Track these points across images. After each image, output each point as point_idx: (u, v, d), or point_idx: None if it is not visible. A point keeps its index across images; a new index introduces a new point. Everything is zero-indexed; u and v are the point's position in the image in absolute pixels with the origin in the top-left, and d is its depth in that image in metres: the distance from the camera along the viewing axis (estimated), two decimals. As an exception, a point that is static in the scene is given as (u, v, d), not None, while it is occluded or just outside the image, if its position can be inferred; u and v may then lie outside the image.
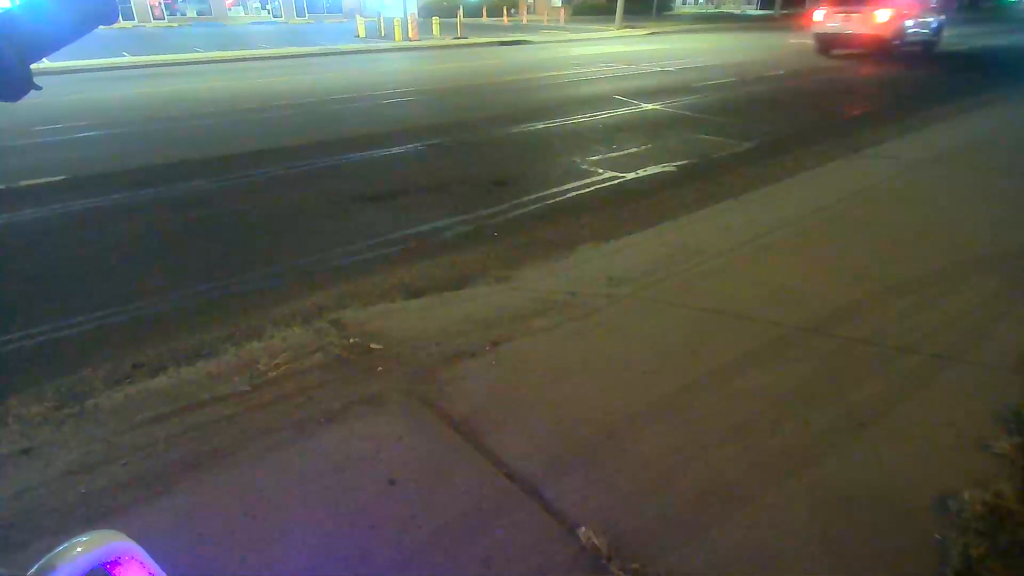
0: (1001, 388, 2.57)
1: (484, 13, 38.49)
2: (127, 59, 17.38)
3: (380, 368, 2.74)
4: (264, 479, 2.09)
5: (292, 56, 19.13)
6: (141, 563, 0.52)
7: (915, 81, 12.89)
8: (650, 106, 9.83)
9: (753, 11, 43.53)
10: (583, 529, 1.85)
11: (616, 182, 5.98)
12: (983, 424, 2.35)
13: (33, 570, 0.44)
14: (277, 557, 1.79)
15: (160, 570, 0.53)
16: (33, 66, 0.84)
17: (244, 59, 18.26)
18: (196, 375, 2.78)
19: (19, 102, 0.86)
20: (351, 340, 2.97)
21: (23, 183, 6.08)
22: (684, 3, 49.85)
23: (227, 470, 2.14)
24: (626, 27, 29.36)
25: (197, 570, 1.75)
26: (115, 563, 0.50)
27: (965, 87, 11.37)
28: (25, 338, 3.32)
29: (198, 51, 19.62)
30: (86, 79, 14.17)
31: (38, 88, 0.86)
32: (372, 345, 2.92)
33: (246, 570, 1.75)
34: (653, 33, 27.05)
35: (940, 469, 2.14)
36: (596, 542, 1.80)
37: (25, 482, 2.10)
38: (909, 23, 15.76)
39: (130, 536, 0.53)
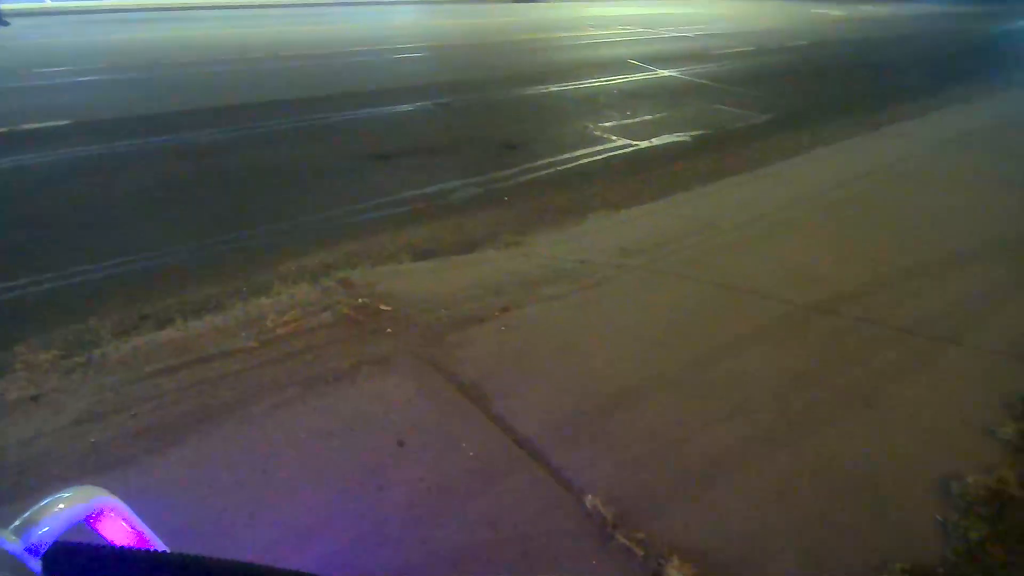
0: (1009, 374, 2.56)
1: (498, -33, 37.23)
2: (132, 1, 16.90)
3: (389, 329, 2.73)
4: (273, 435, 2.10)
5: (302, 5, 18.60)
6: (125, 518, 0.51)
7: (942, 60, 12.56)
8: (666, 72, 9.60)
9: (775, -23, 42.06)
10: (589, 497, 1.86)
11: (630, 150, 5.87)
12: (990, 409, 2.35)
13: (15, 525, 0.43)
14: (287, 512, 1.81)
15: (144, 525, 0.53)
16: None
17: (252, 6, 17.76)
18: (204, 329, 2.77)
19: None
20: (360, 300, 2.96)
21: (26, 126, 5.98)
22: (704, -35, 48.18)
23: (236, 425, 2.15)
24: (644, -12, 28.42)
25: (210, 520, 1.77)
26: (98, 517, 0.49)
27: (993, 68, 11.08)
28: (31, 284, 3.30)
29: (204, -5, 19.04)
30: (89, 20, 13.80)
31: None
32: (381, 306, 2.90)
33: (257, 523, 1.77)
34: (671, -5, 26.20)
35: (944, 452, 2.15)
36: (602, 510, 1.82)
37: (36, 429, 2.12)
38: None
39: (142, 486, 0.53)
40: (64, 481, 1.87)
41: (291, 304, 2.96)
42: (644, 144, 6.04)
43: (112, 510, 0.51)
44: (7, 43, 8.64)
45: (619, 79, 9.02)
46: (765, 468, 2.04)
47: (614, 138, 6.17)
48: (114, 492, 0.51)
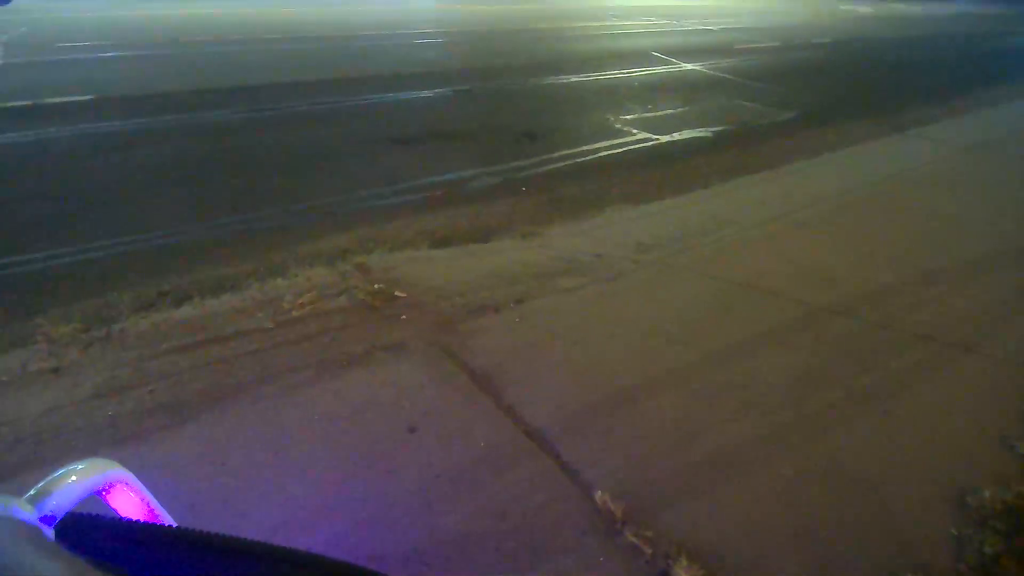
0: (1031, 387, 2.51)
1: (521, -46, 36.91)
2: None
3: (404, 316, 2.73)
4: (287, 416, 2.12)
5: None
6: (136, 492, 0.52)
7: (972, 61, 12.27)
8: (689, 66, 9.46)
9: (804, -29, 41.31)
10: (599, 493, 1.86)
11: (650, 144, 5.80)
12: (1009, 421, 2.30)
13: (30, 494, 0.43)
14: (298, 492, 1.82)
15: (155, 500, 0.53)
16: None
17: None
18: (220, 308, 2.79)
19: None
20: (376, 286, 2.96)
21: (49, 100, 6.03)
22: (732, -42, 47.38)
23: (251, 404, 2.16)
24: (669, -20, 28.03)
25: (223, 499, 1.79)
26: (110, 490, 0.50)
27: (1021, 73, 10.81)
28: (51, 258, 3.34)
29: (226, -25, 19.05)
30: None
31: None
32: (397, 292, 2.90)
33: (267, 502, 1.78)
34: (697, -12, 25.82)
35: (961, 464, 2.11)
36: (611, 506, 1.81)
37: (55, 400, 2.14)
38: None
39: (157, 461, 0.53)
40: (79, 453, 1.89)
41: (308, 287, 2.97)
42: (665, 138, 5.97)
43: (124, 483, 0.51)
44: (28, 16, 8.74)
45: (641, 71, 8.92)
46: (777, 471, 2.01)
47: (635, 131, 6.10)
48: (128, 466, 0.52)
